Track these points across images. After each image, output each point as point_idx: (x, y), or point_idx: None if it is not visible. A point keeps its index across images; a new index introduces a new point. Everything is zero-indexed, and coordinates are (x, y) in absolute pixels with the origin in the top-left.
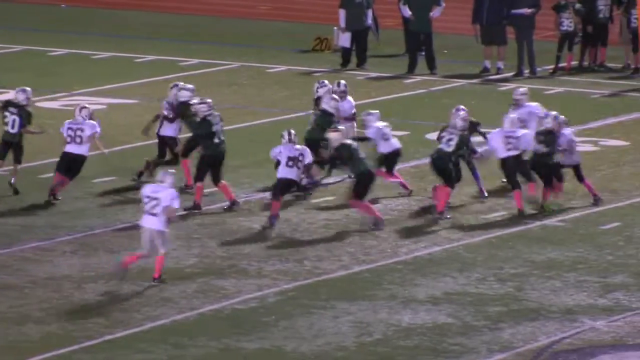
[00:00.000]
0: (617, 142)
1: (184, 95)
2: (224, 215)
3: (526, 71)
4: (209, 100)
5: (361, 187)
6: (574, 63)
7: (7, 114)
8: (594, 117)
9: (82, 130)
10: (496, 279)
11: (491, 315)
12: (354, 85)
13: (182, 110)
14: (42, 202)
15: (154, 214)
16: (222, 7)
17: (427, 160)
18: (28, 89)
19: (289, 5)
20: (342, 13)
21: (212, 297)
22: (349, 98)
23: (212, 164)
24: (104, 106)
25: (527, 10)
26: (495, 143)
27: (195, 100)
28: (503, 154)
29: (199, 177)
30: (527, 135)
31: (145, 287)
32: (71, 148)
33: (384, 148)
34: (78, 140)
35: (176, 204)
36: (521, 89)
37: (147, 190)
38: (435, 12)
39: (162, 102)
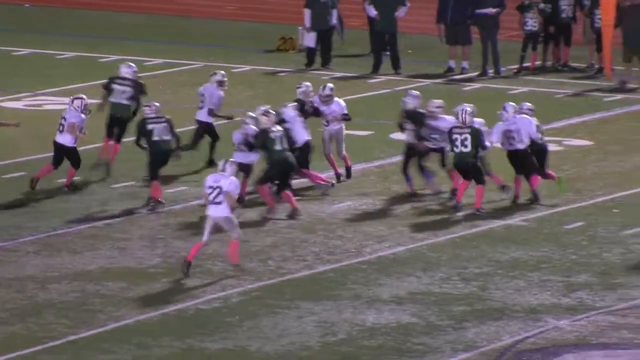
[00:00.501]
0: (581, 141)
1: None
2: (188, 215)
3: (490, 71)
4: (157, 104)
5: (272, 174)
6: (538, 63)
7: None
8: (558, 117)
9: (65, 119)
10: (460, 278)
11: (455, 314)
12: (318, 85)
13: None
14: (4, 203)
15: (218, 203)
16: (188, 7)
17: (391, 160)
18: None
19: (255, 5)
20: (307, 13)
21: (176, 297)
22: (338, 100)
23: (159, 162)
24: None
25: (491, 10)
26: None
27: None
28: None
29: (153, 176)
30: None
31: (109, 288)
32: (57, 137)
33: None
34: (61, 128)
35: (236, 192)
36: (437, 102)
37: (209, 180)
38: (400, 12)
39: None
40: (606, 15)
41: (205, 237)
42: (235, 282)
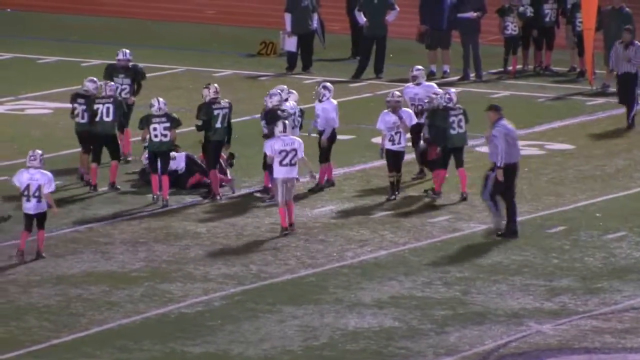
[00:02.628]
0: (563, 145)
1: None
2: (169, 219)
3: (472, 75)
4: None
5: (209, 155)
6: (519, 67)
7: None
8: (540, 121)
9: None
10: (442, 282)
11: (437, 319)
12: (299, 90)
13: None
14: None
15: (293, 165)
16: (169, 12)
17: (373, 164)
18: None
19: (236, 9)
20: (288, 17)
21: (158, 301)
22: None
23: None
24: (51, 110)
25: (472, 14)
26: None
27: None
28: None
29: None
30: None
31: (91, 292)
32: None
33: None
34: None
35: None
36: (397, 93)
37: (279, 144)
38: (391, 17)
39: None
40: (587, 18)
41: (282, 199)
42: (217, 286)
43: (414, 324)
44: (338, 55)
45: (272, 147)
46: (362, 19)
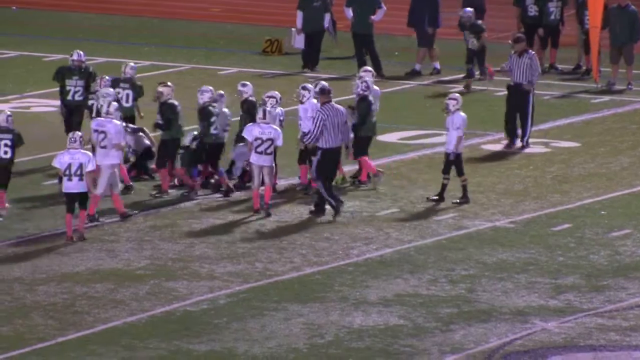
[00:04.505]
0: (568, 143)
1: None
2: (175, 217)
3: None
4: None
5: (163, 152)
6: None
7: None
8: (545, 119)
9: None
10: (447, 280)
11: (442, 316)
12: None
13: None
14: None
15: (268, 154)
16: (174, 9)
17: (378, 161)
18: None
19: (241, 7)
20: (299, 15)
21: (164, 299)
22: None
23: None
24: (56, 108)
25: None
26: None
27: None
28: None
29: None
30: None
31: (96, 289)
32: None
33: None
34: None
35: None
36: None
37: (257, 131)
38: (377, 16)
39: None
40: (593, 17)
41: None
42: (222, 284)
43: (419, 321)
44: (342, 53)
45: (250, 132)
46: (349, 14)
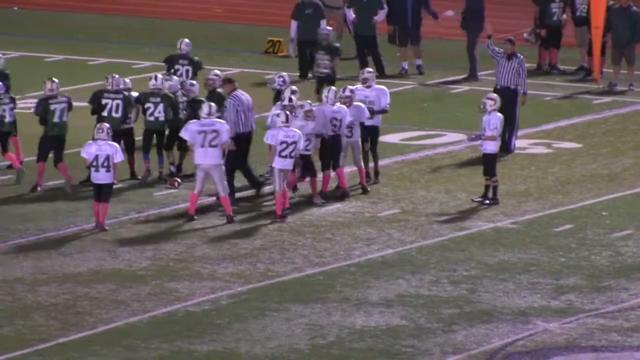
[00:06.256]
0: (570, 144)
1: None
2: (177, 218)
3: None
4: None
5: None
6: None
7: None
8: (547, 120)
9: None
10: (449, 281)
11: (444, 317)
12: (305, 89)
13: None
14: None
15: (292, 157)
16: (176, 10)
17: (381, 162)
18: None
19: (244, 8)
20: (293, 24)
21: (165, 299)
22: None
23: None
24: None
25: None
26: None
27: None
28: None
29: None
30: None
31: (98, 290)
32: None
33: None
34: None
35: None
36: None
37: (281, 135)
38: (380, 16)
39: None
40: (596, 17)
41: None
42: (224, 285)
43: (421, 322)
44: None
45: (275, 137)
46: (351, 14)
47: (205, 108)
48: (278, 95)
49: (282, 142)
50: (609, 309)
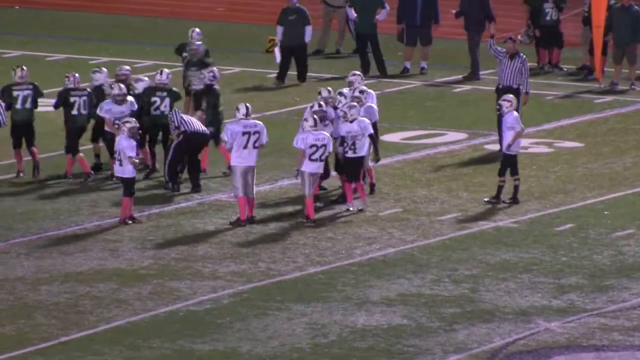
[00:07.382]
0: (572, 143)
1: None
2: (178, 217)
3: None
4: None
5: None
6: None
7: None
8: (549, 119)
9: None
10: (450, 280)
11: (446, 316)
12: (306, 88)
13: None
14: None
15: (322, 160)
16: (178, 9)
17: (382, 162)
18: None
19: (245, 7)
20: (279, 30)
21: (167, 298)
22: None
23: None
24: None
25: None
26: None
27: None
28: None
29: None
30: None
31: (100, 289)
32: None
33: None
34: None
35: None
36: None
37: (310, 139)
38: (381, 16)
39: None
40: (597, 16)
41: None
42: (225, 284)
43: (422, 321)
44: (344, 52)
45: (305, 140)
46: (352, 14)
47: (242, 108)
48: (209, 90)
49: (312, 146)
50: (611, 308)
